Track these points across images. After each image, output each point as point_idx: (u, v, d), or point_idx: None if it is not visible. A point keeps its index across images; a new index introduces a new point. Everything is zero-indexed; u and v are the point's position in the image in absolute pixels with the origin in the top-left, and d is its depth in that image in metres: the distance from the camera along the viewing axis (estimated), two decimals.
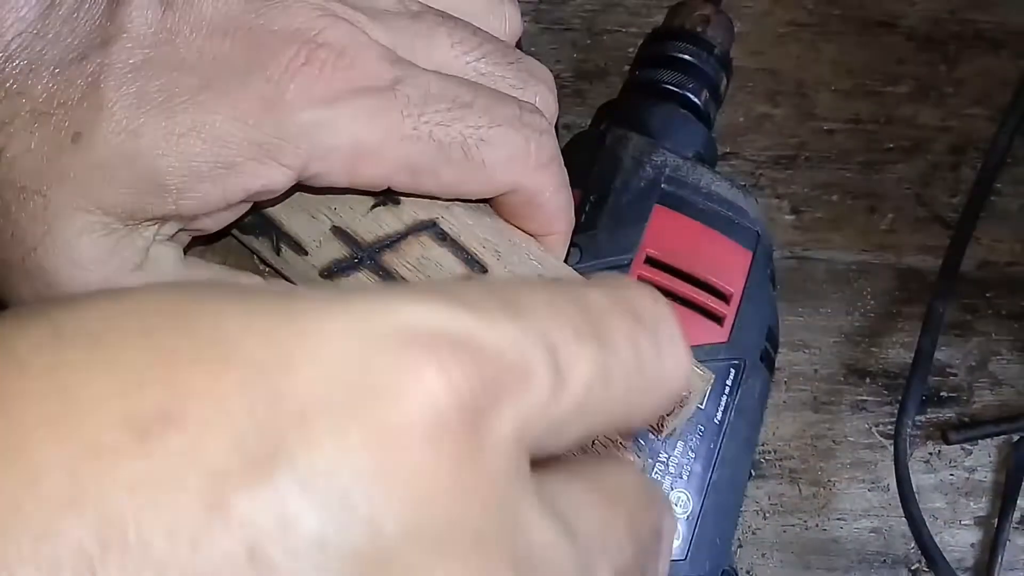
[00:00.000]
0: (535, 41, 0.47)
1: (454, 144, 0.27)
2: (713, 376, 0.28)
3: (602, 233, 0.34)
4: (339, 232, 0.29)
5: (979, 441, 0.41)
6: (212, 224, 0.27)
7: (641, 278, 0.34)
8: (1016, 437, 0.41)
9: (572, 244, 0.34)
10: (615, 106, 0.40)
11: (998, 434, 0.41)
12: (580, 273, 0.33)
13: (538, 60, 0.48)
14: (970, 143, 0.46)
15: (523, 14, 0.48)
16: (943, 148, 0.46)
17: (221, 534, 0.12)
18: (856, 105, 0.47)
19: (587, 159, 0.36)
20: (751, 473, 0.40)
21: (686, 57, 0.40)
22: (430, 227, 0.29)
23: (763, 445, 0.41)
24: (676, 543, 0.31)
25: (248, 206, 0.27)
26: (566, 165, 0.38)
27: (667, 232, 0.35)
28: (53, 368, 0.13)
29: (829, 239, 0.45)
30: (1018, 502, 0.40)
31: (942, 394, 0.42)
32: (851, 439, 0.41)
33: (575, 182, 0.36)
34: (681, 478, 0.32)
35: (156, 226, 0.26)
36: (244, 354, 0.13)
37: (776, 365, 0.40)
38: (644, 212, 0.35)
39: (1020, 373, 0.43)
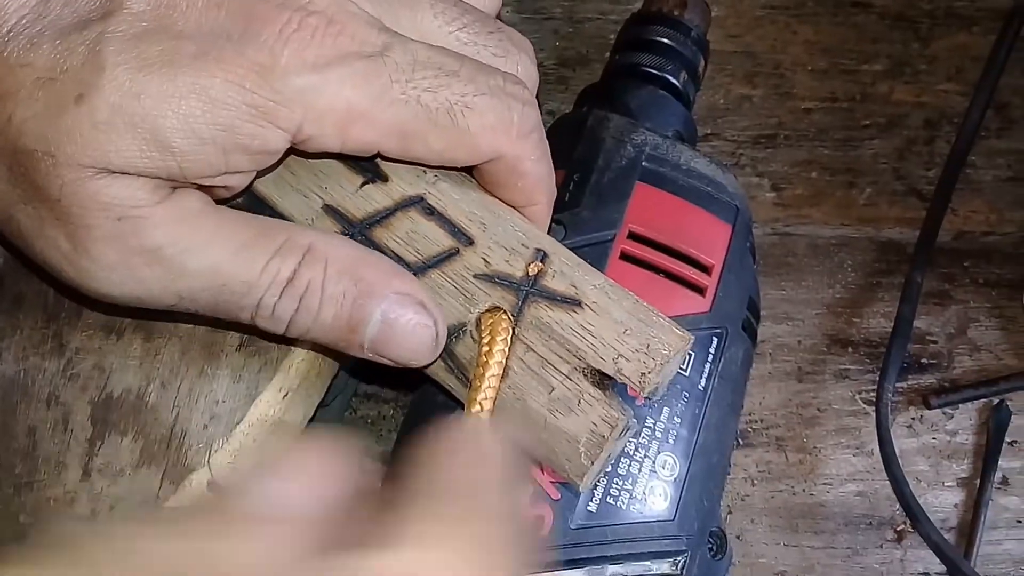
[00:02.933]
0: (517, 30, 0.48)
1: (441, 110, 0.28)
2: (691, 337, 0.29)
3: (586, 210, 0.35)
4: (331, 210, 0.30)
5: (960, 405, 0.43)
6: (223, 191, 0.28)
7: (624, 253, 0.35)
8: (996, 400, 0.42)
9: (557, 222, 0.35)
10: (596, 89, 0.41)
11: (978, 398, 0.43)
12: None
13: None
14: (944, 118, 0.47)
15: (505, 4, 0.49)
16: (918, 123, 0.47)
17: None
18: (832, 84, 0.48)
19: (570, 140, 0.38)
20: (738, 441, 0.42)
21: (664, 40, 0.41)
22: (418, 202, 0.30)
23: (750, 415, 0.42)
24: (665, 504, 0.32)
25: (253, 174, 0.28)
26: (550, 147, 0.39)
27: (649, 208, 0.36)
28: None
29: (809, 215, 0.46)
30: (999, 463, 0.41)
31: (923, 361, 0.43)
32: (835, 407, 0.42)
33: (559, 163, 0.37)
34: (668, 442, 0.33)
35: (169, 185, 0.27)
36: None
37: (761, 337, 0.41)
38: (626, 189, 0.36)
39: (998, 339, 0.44)
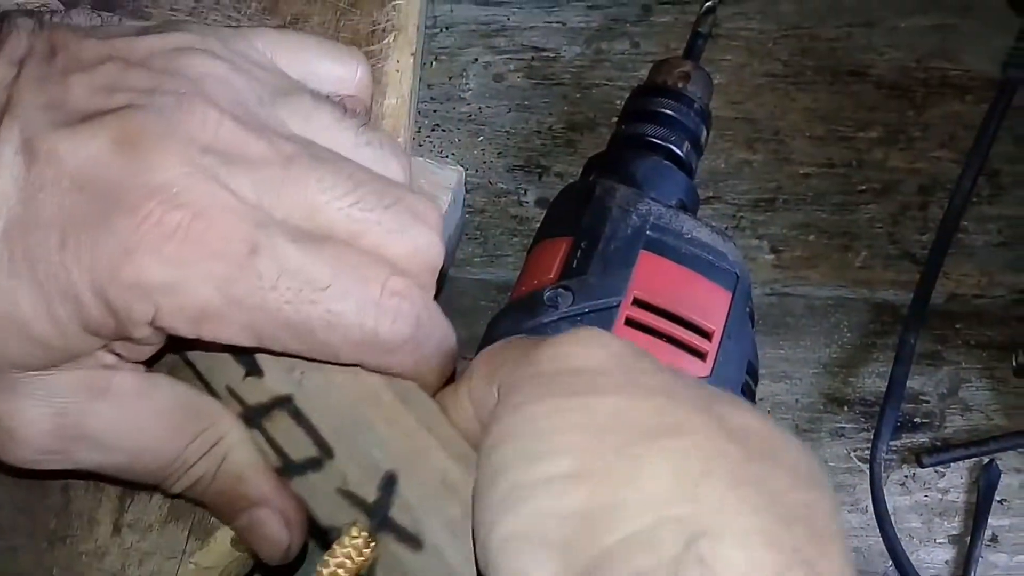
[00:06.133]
0: (528, 96, 0.51)
1: (301, 324, 0.27)
2: None
3: (592, 277, 0.37)
4: (230, 391, 0.30)
5: (951, 464, 0.44)
6: (136, 355, 0.29)
7: (629, 319, 0.37)
8: (986, 459, 0.44)
9: (565, 288, 0.37)
10: (603, 158, 0.43)
11: (969, 457, 0.44)
12: (572, 315, 0.36)
13: (531, 114, 0.52)
14: (937, 184, 0.49)
15: (516, 71, 0.52)
16: (912, 189, 0.49)
17: None
18: (829, 150, 0.50)
19: (577, 208, 0.39)
20: None
21: (668, 112, 0.43)
22: (287, 403, 0.29)
23: None
24: None
25: (155, 342, 0.29)
26: (559, 214, 0.41)
27: (653, 275, 0.38)
28: None
29: (807, 276, 0.48)
30: (989, 521, 0.43)
31: (916, 420, 0.45)
32: (831, 464, 0.44)
33: (567, 230, 0.39)
34: None
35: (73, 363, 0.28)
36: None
37: (759, 395, 0.43)
38: (631, 257, 0.38)
39: (989, 399, 0.45)
